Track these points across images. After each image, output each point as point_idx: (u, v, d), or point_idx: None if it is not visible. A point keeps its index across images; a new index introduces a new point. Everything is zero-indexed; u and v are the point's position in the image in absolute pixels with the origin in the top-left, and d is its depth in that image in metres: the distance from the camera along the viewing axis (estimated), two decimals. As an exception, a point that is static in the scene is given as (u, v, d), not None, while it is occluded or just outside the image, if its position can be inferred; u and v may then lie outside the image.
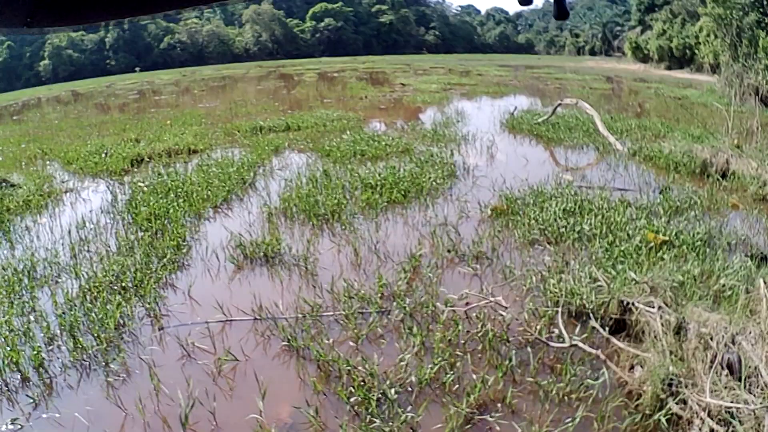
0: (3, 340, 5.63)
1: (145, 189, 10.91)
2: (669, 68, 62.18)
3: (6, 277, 7.26)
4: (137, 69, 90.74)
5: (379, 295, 6.25)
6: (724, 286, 5.98)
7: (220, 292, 6.58)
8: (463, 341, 5.37)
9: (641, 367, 4.81)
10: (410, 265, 7.03)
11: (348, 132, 16.04)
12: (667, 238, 7.50)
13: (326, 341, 5.37)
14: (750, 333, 4.68)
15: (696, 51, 62.73)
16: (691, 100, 27.57)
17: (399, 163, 11.94)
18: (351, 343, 5.39)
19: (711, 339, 4.71)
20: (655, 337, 4.98)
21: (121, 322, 5.94)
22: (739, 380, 4.29)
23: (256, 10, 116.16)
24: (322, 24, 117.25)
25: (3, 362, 5.24)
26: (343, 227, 8.57)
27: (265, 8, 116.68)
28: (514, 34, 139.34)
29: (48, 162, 15.06)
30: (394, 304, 6.03)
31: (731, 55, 51.89)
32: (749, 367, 4.36)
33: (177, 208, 9.50)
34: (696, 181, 11.07)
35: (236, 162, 12.67)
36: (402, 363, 4.96)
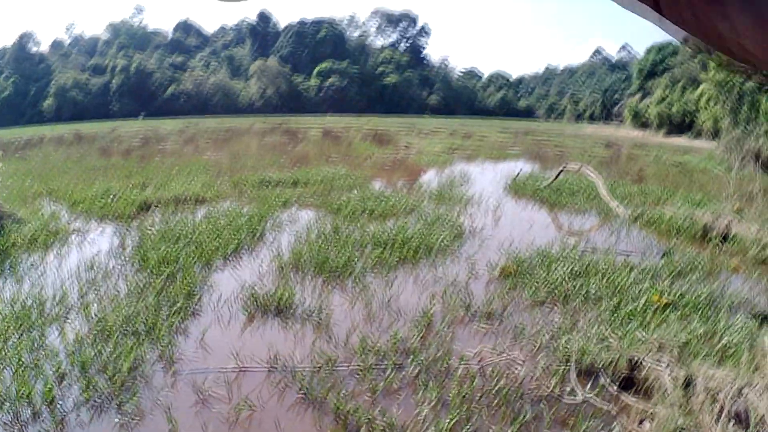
0: (14, 372, 5.62)
1: (154, 235, 10.93)
2: (668, 135, 62.98)
3: (15, 311, 7.25)
4: (141, 116, 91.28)
5: (394, 350, 6.25)
6: (727, 344, 6.18)
7: (233, 341, 6.57)
8: (478, 396, 5.38)
9: (651, 421, 4.92)
10: (423, 321, 7.06)
11: (356, 190, 16.16)
12: (671, 299, 7.64)
13: (343, 392, 5.36)
14: (756, 385, 4.79)
15: (696, 117, 63.51)
16: (691, 165, 27.90)
17: (407, 222, 12.02)
18: (367, 396, 5.37)
19: (718, 393, 4.83)
20: (665, 392, 5.10)
21: (134, 364, 5.92)
22: (746, 429, 4.40)
23: (262, 64, 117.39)
24: (328, 82, 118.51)
25: (15, 395, 5.23)
26: (355, 283, 8.58)
27: (271, 63, 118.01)
28: (514, 99, 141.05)
29: (53, 201, 15.10)
30: (410, 359, 6.03)
31: (731, 120, 52.50)
32: (756, 416, 4.47)
33: (187, 255, 9.51)
34: (697, 245, 11.30)
35: (245, 214, 12.71)
36: (419, 416, 4.97)
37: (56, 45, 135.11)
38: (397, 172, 23.00)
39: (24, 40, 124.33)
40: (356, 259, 9.55)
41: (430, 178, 20.88)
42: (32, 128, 65.75)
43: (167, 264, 9.10)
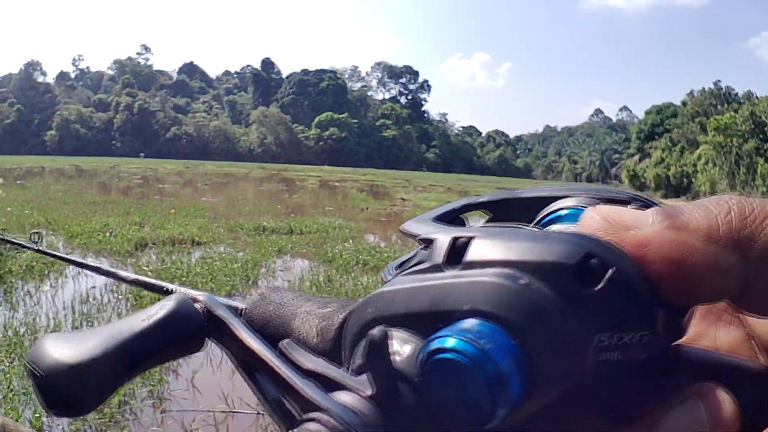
0: (2, 398, 5.69)
1: (150, 273, 11.03)
2: (665, 197, 63.37)
3: (7, 337, 7.34)
4: (142, 155, 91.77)
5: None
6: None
7: (223, 383, 6.63)
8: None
9: None
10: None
11: (350, 241, 16.31)
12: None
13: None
14: None
15: (693, 179, 63.80)
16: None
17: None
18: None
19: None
20: None
21: (124, 399, 6.01)
22: None
23: (263, 112, 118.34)
24: (327, 133, 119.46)
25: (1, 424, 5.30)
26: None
27: (272, 111, 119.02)
28: (513, 157, 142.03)
29: (51, 232, 15.22)
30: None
31: (729, 182, 52.68)
32: None
33: (181, 295, 9.61)
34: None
35: (239, 259, 12.83)
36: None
37: (62, 76, 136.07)
38: (392, 225, 23.11)
39: (30, 68, 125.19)
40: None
41: (424, 234, 20.96)
42: (33, 158, 66.12)
43: (161, 303, 9.16)
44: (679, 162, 67.24)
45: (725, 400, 0.32)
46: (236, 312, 0.63)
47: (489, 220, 0.54)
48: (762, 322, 0.41)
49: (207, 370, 7.20)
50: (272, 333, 0.59)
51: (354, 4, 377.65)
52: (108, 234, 14.72)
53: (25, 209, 18.87)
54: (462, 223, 0.54)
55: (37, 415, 5.41)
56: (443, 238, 0.39)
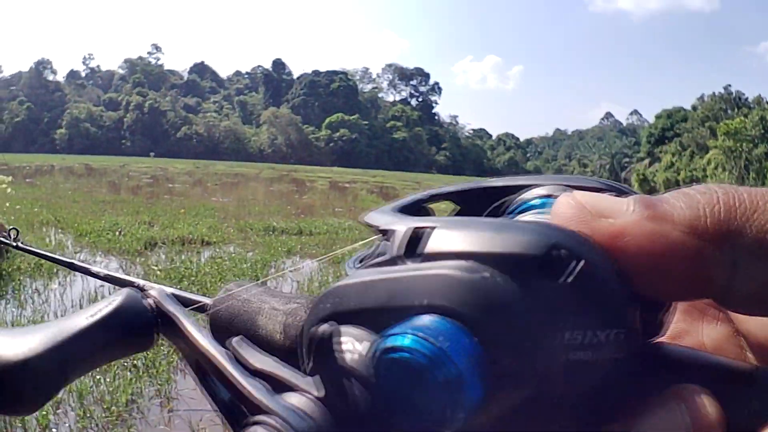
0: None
1: (159, 272, 11.02)
2: None
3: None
4: (152, 154, 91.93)
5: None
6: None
7: (230, 383, 6.62)
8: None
9: None
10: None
11: (360, 242, 16.26)
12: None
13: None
14: None
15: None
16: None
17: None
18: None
19: None
20: None
21: (131, 398, 5.98)
22: None
23: (274, 112, 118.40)
24: (337, 134, 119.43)
25: (9, 418, 5.27)
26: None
27: (283, 112, 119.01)
28: (523, 160, 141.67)
29: (60, 230, 15.25)
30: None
31: None
32: None
33: (191, 294, 9.59)
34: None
35: (249, 259, 12.81)
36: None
37: (72, 75, 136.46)
38: (402, 228, 23.10)
39: (40, 67, 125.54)
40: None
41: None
42: (43, 156, 66.30)
43: (170, 302, 9.14)
44: (688, 166, 67.08)
45: (708, 403, 0.31)
46: (202, 308, 0.62)
47: (458, 212, 0.51)
48: (750, 318, 0.39)
49: (215, 370, 7.14)
50: (238, 329, 0.57)
51: (365, 6, 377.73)
52: (117, 233, 14.69)
53: (35, 207, 18.95)
54: (428, 215, 0.51)
55: (44, 413, 5.39)
56: (402, 228, 0.37)
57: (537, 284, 0.31)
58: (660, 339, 0.36)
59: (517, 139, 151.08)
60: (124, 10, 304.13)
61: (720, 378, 0.34)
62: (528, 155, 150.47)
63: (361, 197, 36.30)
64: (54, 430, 5.27)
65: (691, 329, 0.43)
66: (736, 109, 73.43)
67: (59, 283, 10.16)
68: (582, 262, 0.31)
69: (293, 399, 0.36)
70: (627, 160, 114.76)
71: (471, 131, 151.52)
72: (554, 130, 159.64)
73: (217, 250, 14.03)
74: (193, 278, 10.81)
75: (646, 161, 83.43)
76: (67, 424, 5.36)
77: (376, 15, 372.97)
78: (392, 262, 0.36)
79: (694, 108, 79.75)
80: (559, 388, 0.31)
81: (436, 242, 0.34)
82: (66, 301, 9.12)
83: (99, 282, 10.06)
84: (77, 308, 8.76)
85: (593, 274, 0.31)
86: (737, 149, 56.51)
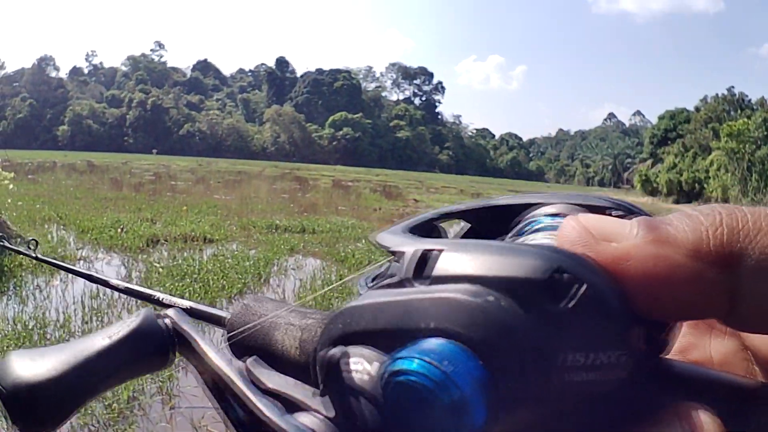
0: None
1: (161, 270, 10.97)
2: (677, 202, 63.08)
3: (17, 330, 7.27)
4: (154, 151, 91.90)
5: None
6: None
7: (233, 381, 6.57)
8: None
9: None
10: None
11: (363, 241, 16.21)
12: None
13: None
14: None
15: (705, 185, 63.36)
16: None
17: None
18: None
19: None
20: None
21: (133, 395, 5.93)
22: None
23: (277, 110, 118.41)
24: (340, 133, 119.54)
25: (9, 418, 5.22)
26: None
27: (286, 110, 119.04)
28: (525, 160, 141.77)
29: (62, 227, 15.21)
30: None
31: (741, 189, 52.07)
32: None
33: (192, 293, 9.54)
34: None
35: (251, 257, 12.75)
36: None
37: (75, 72, 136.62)
38: (404, 226, 23.04)
39: (43, 63, 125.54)
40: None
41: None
42: (45, 153, 66.33)
43: (172, 299, 9.08)
44: (691, 167, 66.89)
45: (707, 422, 0.31)
46: (220, 322, 0.63)
47: (469, 230, 0.52)
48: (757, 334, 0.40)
49: (217, 369, 7.09)
50: (254, 344, 0.58)
51: (370, 5, 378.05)
52: (120, 230, 14.64)
53: (36, 204, 18.94)
54: (440, 234, 0.53)
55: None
56: (411, 250, 0.37)
57: (540, 308, 0.31)
58: (669, 354, 0.36)
59: (520, 139, 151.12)
60: (127, 7, 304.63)
61: (724, 394, 0.34)
62: (531, 155, 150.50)
63: (364, 196, 36.27)
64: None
65: (698, 343, 0.43)
66: (739, 111, 73.20)
67: (60, 280, 10.12)
68: (584, 286, 0.31)
69: (304, 419, 0.37)
70: (629, 160, 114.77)
71: (474, 131, 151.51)
72: (557, 130, 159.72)
73: (220, 247, 13.97)
74: (195, 276, 10.73)
75: (649, 162, 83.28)
76: (68, 422, 5.30)
77: (381, 14, 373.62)
78: (401, 284, 0.37)
79: (697, 109, 79.52)
80: (562, 408, 0.32)
81: (443, 265, 0.35)
82: (68, 298, 9.06)
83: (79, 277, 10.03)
84: (78, 305, 8.73)
85: (596, 298, 0.31)
86: (740, 151, 56.32)
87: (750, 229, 0.30)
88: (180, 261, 11.90)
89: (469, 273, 0.33)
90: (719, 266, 0.31)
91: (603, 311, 0.31)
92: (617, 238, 0.33)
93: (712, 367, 0.40)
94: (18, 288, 9.32)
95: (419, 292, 0.35)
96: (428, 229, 0.51)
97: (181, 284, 10.05)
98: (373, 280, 0.46)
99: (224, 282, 10.50)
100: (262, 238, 16.03)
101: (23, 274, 10.19)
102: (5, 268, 10.23)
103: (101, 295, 9.22)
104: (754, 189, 53.86)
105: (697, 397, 0.33)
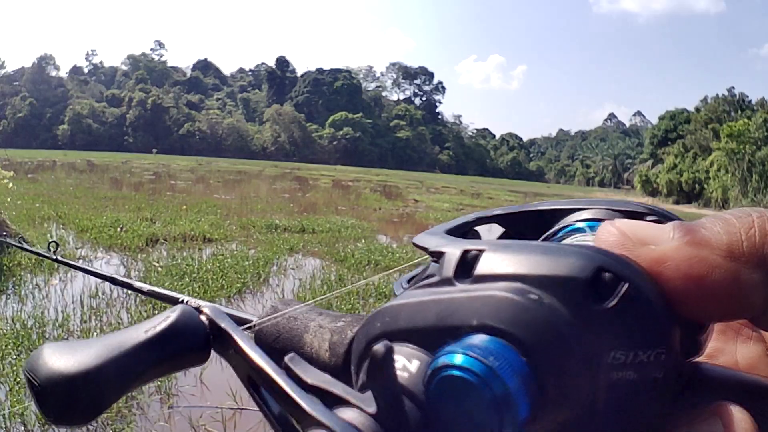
0: (9, 390, 5.62)
1: (160, 269, 10.97)
2: (677, 202, 63.15)
3: (15, 329, 7.27)
4: (154, 151, 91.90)
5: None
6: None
7: (231, 380, 6.52)
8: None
9: None
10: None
11: (362, 241, 16.22)
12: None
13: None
14: None
15: (705, 186, 63.41)
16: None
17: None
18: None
19: None
20: None
21: (131, 394, 5.93)
22: None
23: (277, 110, 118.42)
24: (341, 132, 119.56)
25: (9, 413, 5.22)
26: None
27: (286, 109, 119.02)
28: (526, 160, 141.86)
29: (61, 226, 15.22)
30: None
31: (741, 189, 52.15)
32: None
33: (191, 292, 9.53)
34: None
35: (251, 256, 12.75)
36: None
37: (75, 71, 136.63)
38: (404, 226, 23.05)
39: (43, 62, 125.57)
40: (360, 309, 9.54)
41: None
42: (45, 152, 66.40)
43: (171, 299, 9.08)
44: (691, 168, 66.95)
45: (743, 420, 0.31)
46: (247, 324, 0.65)
47: (503, 234, 0.52)
48: None
49: (215, 367, 7.07)
50: (283, 346, 0.60)
51: (371, 5, 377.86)
52: (119, 229, 14.64)
53: (36, 203, 18.95)
54: (475, 236, 0.53)
55: (43, 409, 5.31)
56: (453, 251, 0.38)
57: (583, 306, 0.31)
58: (698, 358, 0.37)
59: (521, 139, 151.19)
60: (127, 6, 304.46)
61: (754, 396, 0.34)
62: (531, 155, 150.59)
63: (364, 196, 36.26)
64: (53, 426, 5.21)
65: (725, 348, 0.43)
66: (739, 111, 73.23)
67: (60, 279, 10.12)
68: (626, 285, 0.31)
69: (347, 414, 0.36)
70: (630, 161, 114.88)
71: (474, 131, 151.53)
72: (557, 130, 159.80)
73: (219, 247, 13.97)
74: (194, 275, 10.72)
75: (649, 162, 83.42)
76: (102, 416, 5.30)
77: (382, 13, 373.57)
78: (443, 283, 0.37)
79: (698, 110, 79.58)
80: (603, 405, 0.32)
81: (485, 264, 0.35)
82: (66, 297, 9.06)
83: (99, 279, 10.04)
84: (78, 304, 8.72)
85: (637, 296, 0.31)
86: (740, 151, 56.34)
87: None
88: (179, 260, 11.88)
89: (512, 272, 0.34)
90: (753, 267, 0.31)
91: (644, 310, 0.32)
92: (654, 241, 0.34)
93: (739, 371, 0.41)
94: (17, 287, 9.32)
95: (461, 290, 0.35)
96: (465, 232, 0.51)
97: (180, 283, 10.05)
98: (409, 281, 0.47)
99: (223, 281, 10.50)
100: (262, 238, 16.02)
101: (22, 273, 10.19)
102: (4, 267, 10.24)
103: (100, 294, 9.23)
104: (754, 189, 53.90)
105: (731, 398, 0.33)
